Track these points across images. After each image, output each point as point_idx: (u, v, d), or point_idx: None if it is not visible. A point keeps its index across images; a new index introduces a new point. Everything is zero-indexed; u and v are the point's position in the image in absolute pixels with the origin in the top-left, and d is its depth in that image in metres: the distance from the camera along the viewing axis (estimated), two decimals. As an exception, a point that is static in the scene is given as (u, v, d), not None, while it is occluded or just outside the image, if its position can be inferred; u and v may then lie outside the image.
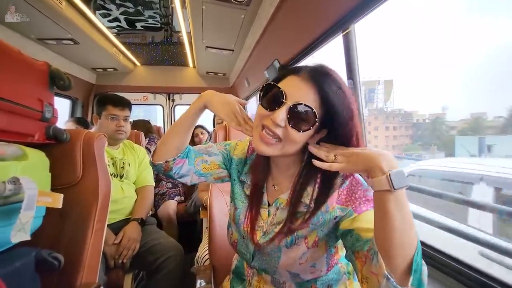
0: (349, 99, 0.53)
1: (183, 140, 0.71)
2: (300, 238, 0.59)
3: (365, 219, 0.52)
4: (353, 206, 0.55)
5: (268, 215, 0.64)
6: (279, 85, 0.55)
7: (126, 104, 1.51)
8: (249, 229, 0.64)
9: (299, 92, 0.52)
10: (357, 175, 0.59)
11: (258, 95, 0.63)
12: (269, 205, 0.66)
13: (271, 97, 0.55)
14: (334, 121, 0.52)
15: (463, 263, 0.73)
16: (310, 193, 0.58)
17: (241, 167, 0.73)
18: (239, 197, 0.71)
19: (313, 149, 0.54)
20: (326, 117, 0.52)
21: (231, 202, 0.75)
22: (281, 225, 0.60)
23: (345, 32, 1.11)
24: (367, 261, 0.45)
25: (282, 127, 0.53)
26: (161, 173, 0.72)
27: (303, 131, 0.52)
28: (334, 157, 0.50)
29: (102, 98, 1.50)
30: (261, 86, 0.58)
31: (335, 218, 0.56)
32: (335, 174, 0.56)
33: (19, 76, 0.71)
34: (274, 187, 0.67)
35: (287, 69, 0.58)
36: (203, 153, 0.75)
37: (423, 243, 0.85)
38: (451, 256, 0.77)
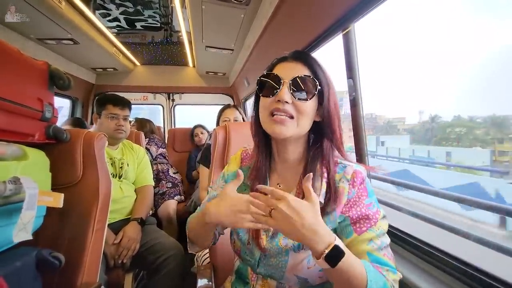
0: (327, 72, 0.60)
1: (208, 239, 0.71)
2: None
3: (362, 239, 0.54)
4: (352, 221, 0.56)
5: None
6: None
7: (126, 104, 1.51)
8: (254, 235, 0.63)
9: (292, 71, 0.58)
10: (366, 182, 0.59)
11: (256, 91, 0.63)
12: None
13: (269, 85, 0.59)
14: (324, 93, 0.58)
15: (461, 260, 0.73)
16: (318, 189, 0.58)
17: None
18: None
19: (253, 195, 0.53)
20: (319, 87, 0.58)
21: None
22: None
23: (345, 32, 1.11)
24: None
25: (290, 104, 0.57)
26: None
27: (309, 99, 0.57)
28: (270, 211, 0.49)
29: (102, 98, 1.51)
30: (257, 83, 0.61)
31: (339, 223, 0.57)
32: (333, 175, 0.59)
33: (19, 76, 0.71)
34: (279, 186, 0.66)
35: (273, 61, 0.65)
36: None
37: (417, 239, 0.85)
38: (449, 254, 0.77)
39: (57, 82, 0.82)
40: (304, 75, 0.57)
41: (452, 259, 0.76)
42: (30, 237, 0.64)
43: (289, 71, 0.58)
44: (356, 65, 1.12)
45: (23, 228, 0.61)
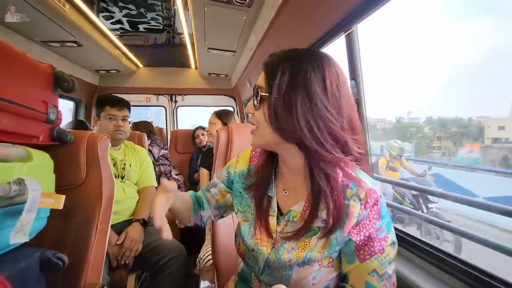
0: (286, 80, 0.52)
1: (181, 216, 0.73)
2: (313, 260, 0.55)
3: (364, 268, 0.52)
4: (357, 246, 0.53)
5: (278, 224, 0.60)
6: None
7: (124, 104, 1.52)
8: (259, 242, 0.61)
9: (259, 80, 0.57)
10: (380, 203, 0.53)
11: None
12: (280, 214, 0.61)
13: None
14: (272, 92, 0.51)
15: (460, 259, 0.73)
16: (322, 210, 0.54)
17: (245, 178, 0.70)
18: (247, 209, 0.67)
19: None
20: (268, 89, 0.53)
21: (236, 213, 0.72)
22: (293, 239, 0.56)
23: (347, 32, 1.11)
24: None
25: (252, 114, 0.57)
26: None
27: (257, 108, 0.56)
28: None
29: (101, 99, 1.53)
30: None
31: (345, 243, 0.55)
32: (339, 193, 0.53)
33: (24, 79, 0.72)
34: (285, 192, 0.62)
35: None
36: (210, 188, 0.77)
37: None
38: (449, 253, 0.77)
39: (61, 84, 0.83)
40: (256, 84, 0.56)
41: (459, 263, 0.74)
42: (27, 239, 0.64)
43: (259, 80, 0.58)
44: (359, 66, 1.12)
45: (20, 230, 0.62)
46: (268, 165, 0.63)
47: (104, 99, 1.52)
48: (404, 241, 0.92)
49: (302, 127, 0.49)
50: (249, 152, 0.73)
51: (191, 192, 0.80)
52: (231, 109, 3.34)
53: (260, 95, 0.54)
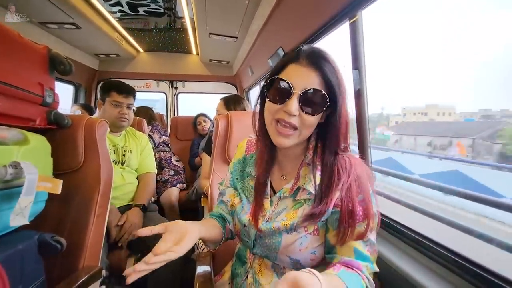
0: (343, 79, 0.58)
1: (215, 239, 0.70)
2: (299, 226, 0.60)
3: (351, 235, 0.55)
4: (342, 214, 0.56)
5: (271, 204, 0.66)
6: (282, 76, 0.57)
7: (130, 92, 1.50)
8: (252, 218, 0.65)
9: (304, 80, 0.55)
10: (362, 177, 0.58)
11: (263, 89, 0.61)
12: (274, 193, 0.67)
13: (279, 90, 0.56)
14: (335, 100, 0.55)
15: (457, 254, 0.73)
16: (312, 180, 0.59)
17: (242, 165, 0.76)
18: (243, 191, 0.73)
19: None
20: (329, 96, 0.55)
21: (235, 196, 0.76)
22: (284, 213, 0.62)
23: (352, 20, 1.07)
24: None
25: (296, 116, 0.55)
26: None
27: (317, 114, 0.56)
28: None
29: (107, 84, 1.51)
30: (265, 81, 0.59)
31: (331, 214, 0.58)
32: (332, 165, 0.58)
33: (19, 60, 0.70)
34: (283, 178, 0.68)
35: (285, 58, 0.60)
36: (221, 198, 0.79)
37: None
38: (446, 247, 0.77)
39: (58, 66, 0.82)
40: (316, 89, 0.54)
41: (436, 246, 0.79)
42: (26, 222, 0.65)
43: (301, 79, 0.55)
44: (362, 56, 1.08)
45: (20, 213, 0.62)
46: (268, 160, 0.66)
47: (111, 84, 1.50)
48: (388, 226, 0.97)
49: (347, 122, 0.58)
50: (245, 143, 0.79)
51: (210, 214, 0.78)
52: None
53: (325, 102, 0.55)
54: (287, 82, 0.55)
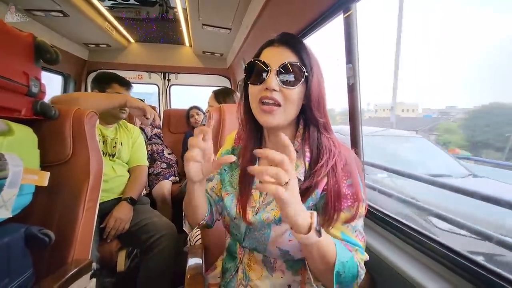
0: (314, 55, 0.60)
1: (200, 211, 0.70)
2: None
3: (339, 220, 0.57)
4: (330, 199, 0.57)
5: (260, 195, 0.66)
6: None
7: (129, 84, 1.52)
8: (241, 210, 0.65)
9: (279, 57, 0.58)
10: (350, 163, 0.60)
11: (245, 78, 0.63)
12: None
13: (257, 71, 0.59)
14: (310, 78, 0.58)
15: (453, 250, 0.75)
16: (300, 166, 0.60)
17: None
18: (230, 184, 0.72)
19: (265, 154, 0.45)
20: (306, 68, 0.58)
21: (221, 189, 0.75)
22: (273, 203, 0.62)
23: (346, 15, 1.07)
24: None
25: (277, 91, 0.57)
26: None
27: (296, 86, 0.57)
28: (286, 183, 0.43)
29: (107, 75, 1.49)
30: (244, 70, 0.61)
31: (319, 199, 0.60)
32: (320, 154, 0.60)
33: (2, 48, 0.67)
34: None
35: (261, 46, 0.64)
36: (208, 182, 0.78)
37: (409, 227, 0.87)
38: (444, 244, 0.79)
39: (43, 55, 0.79)
40: (291, 62, 0.57)
41: (422, 237, 0.82)
42: (10, 215, 0.63)
43: (276, 57, 0.58)
44: (356, 49, 1.08)
45: (3, 206, 0.60)
46: (253, 145, 0.67)
47: (111, 75, 1.49)
48: (377, 218, 0.99)
49: (324, 103, 0.61)
50: (234, 134, 0.79)
51: None
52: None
53: (302, 73, 0.57)
54: (263, 62, 0.58)
